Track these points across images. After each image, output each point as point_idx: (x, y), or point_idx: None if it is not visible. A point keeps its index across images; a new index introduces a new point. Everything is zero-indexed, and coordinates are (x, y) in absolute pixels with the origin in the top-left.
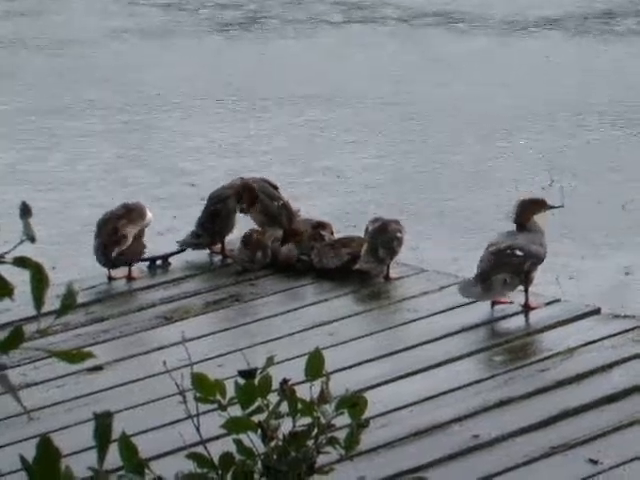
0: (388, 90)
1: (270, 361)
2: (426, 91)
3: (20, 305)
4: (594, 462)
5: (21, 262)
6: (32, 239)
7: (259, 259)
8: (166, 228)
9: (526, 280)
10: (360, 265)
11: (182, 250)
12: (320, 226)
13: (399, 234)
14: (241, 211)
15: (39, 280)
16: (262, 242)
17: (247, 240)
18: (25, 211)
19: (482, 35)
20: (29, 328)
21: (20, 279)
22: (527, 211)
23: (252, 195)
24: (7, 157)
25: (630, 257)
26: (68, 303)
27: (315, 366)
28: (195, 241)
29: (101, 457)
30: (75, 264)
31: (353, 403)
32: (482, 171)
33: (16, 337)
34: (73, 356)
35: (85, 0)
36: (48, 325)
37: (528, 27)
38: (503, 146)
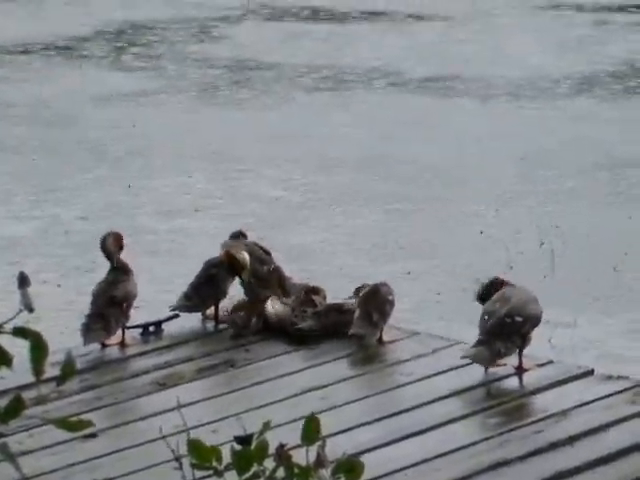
0: (368, 151)
1: (266, 426)
2: (408, 151)
3: (16, 373)
4: None
5: (20, 332)
6: (30, 309)
7: (253, 325)
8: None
9: (523, 341)
10: (355, 330)
11: (175, 316)
12: (313, 291)
13: (390, 297)
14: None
15: (39, 349)
16: (258, 308)
17: (242, 306)
18: (23, 281)
19: (461, 95)
20: (25, 395)
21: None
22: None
23: (238, 264)
24: None
25: (622, 318)
26: (68, 371)
27: (311, 431)
28: (187, 303)
29: None
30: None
31: (350, 468)
32: (471, 234)
33: (17, 406)
34: (73, 425)
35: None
36: (48, 392)
37: (497, 90)
38: (492, 207)
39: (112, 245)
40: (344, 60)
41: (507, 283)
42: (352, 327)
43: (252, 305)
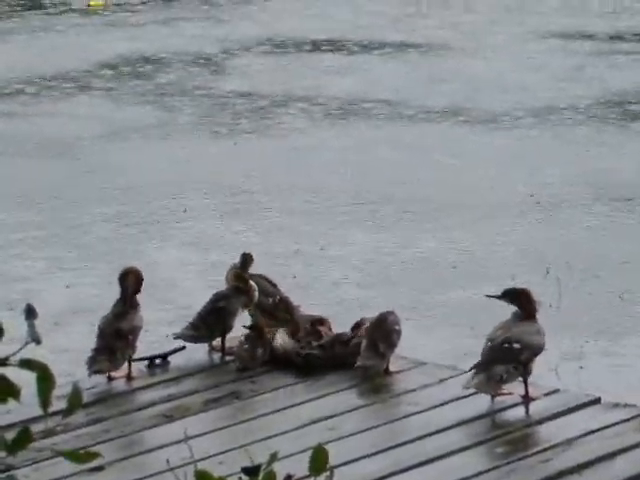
0: (370, 179)
1: (274, 457)
2: (412, 179)
3: (23, 406)
4: None
5: (27, 364)
6: (37, 341)
7: (259, 356)
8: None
9: (525, 371)
10: (362, 362)
11: (181, 348)
12: (318, 322)
13: (397, 327)
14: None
15: (45, 381)
16: (263, 339)
17: (248, 337)
18: (30, 313)
19: (465, 124)
20: (32, 429)
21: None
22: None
23: (246, 288)
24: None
25: (629, 346)
26: (74, 402)
27: (319, 461)
28: (194, 333)
29: None
30: None
31: None
32: (476, 264)
33: (24, 438)
34: (80, 456)
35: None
36: (55, 425)
37: (507, 120)
38: (496, 238)
39: (132, 283)
40: (347, 90)
41: (529, 298)
42: (359, 359)
43: (257, 336)
